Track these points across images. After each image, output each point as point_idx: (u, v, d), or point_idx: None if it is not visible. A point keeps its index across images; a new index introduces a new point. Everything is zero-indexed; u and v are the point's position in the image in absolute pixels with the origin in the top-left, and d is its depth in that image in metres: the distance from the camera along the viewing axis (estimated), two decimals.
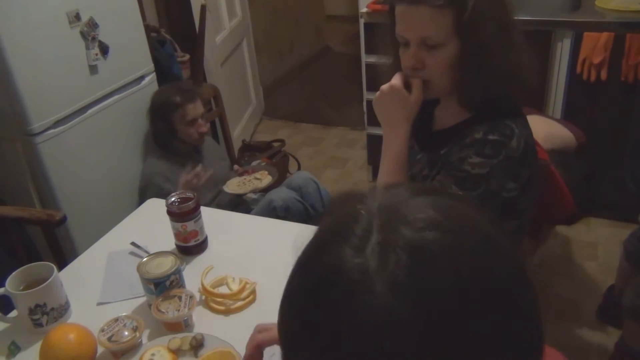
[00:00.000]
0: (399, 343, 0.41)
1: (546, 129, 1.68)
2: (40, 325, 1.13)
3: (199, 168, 2.08)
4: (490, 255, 0.46)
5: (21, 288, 1.13)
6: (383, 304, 0.41)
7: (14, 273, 1.14)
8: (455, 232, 0.45)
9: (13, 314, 1.18)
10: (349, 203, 0.48)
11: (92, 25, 2.01)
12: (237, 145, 3.26)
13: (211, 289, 1.20)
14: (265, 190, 2.21)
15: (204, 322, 1.15)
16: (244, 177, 2.25)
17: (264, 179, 2.23)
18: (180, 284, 1.19)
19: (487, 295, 0.43)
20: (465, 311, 0.42)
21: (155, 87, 2.38)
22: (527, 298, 0.47)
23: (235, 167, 2.39)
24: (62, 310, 1.16)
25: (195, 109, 2.19)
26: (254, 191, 2.20)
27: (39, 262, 1.19)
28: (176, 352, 1.04)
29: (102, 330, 1.07)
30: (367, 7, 2.68)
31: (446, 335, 0.41)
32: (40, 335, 1.08)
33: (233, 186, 2.20)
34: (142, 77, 2.32)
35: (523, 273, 0.47)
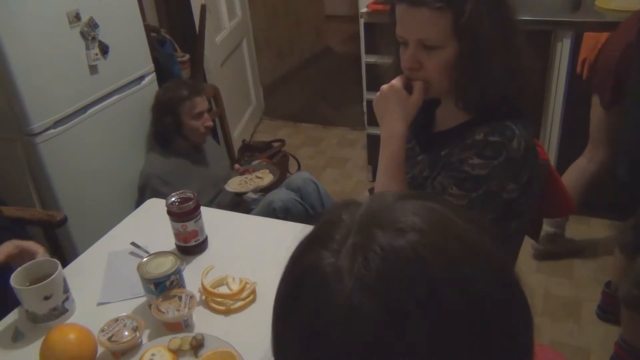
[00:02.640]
0: (360, 338, 0.43)
1: None
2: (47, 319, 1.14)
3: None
4: (469, 263, 0.45)
5: (27, 284, 1.14)
6: (347, 299, 0.43)
7: (18, 269, 1.15)
8: (431, 239, 0.45)
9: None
10: (337, 210, 0.50)
11: (92, 25, 2.01)
12: (237, 145, 3.25)
13: (211, 289, 1.20)
14: (266, 189, 2.21)
15: (204, 322, 1.15)
16: (245, 175, 2.25)
17: (265, 177, 2.23)
18: (180, 284, 1.19)
19: (459, 301, 0.43)
20: (430, 316, 0.43)
21: (155, 87, 2.38)
22: (510, 303, 0.47)
23: (236, 166, 2.39)
24: (67, 305, 1.18)
25: (203, 102, 2.26)
26: (255, 190, 2.20)
27: (44, 258, 1.20)
28: (176, 352, 1.04)
29: (102, 330, 1.07)
30: (367, 7, 2.67)
31: (405, 336, 0.42)
32: (44, 330, 1.09)
33: (235, 185, 2.20)
34: (142, 77, 2.32)
35: (507, 279, 0.48)
